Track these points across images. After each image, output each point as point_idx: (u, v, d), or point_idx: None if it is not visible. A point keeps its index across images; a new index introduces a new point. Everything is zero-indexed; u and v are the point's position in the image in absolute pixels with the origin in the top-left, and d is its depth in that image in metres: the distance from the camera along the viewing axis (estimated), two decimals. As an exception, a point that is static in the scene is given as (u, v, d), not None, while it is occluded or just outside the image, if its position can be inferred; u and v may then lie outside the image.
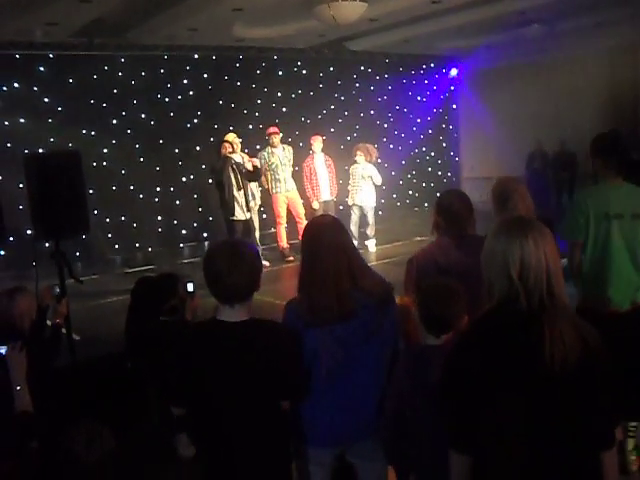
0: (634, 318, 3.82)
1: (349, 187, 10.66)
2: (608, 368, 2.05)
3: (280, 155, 10.31)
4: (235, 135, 9.98)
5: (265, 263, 9.70)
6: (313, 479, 2.99)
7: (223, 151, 9.45)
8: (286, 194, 10.48)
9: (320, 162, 10.66)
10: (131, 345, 4.67)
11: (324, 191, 10.60)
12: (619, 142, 4.08)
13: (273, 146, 10.32)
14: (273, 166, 10.33)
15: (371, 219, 10.72)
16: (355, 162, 10.57)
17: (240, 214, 9.47)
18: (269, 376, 2.61)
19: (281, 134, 10.52)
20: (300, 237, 2.96)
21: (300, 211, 10.65)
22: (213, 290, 2.65)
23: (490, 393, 2.03)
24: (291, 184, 10.51)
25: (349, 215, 10.63)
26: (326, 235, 2.83)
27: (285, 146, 10.61)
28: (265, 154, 10.40)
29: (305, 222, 10.64)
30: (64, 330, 4.83)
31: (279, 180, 10.37)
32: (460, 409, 2.10)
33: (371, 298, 2.79)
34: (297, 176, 10.74)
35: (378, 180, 10.48)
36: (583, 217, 3.93)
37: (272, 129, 10.49)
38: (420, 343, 2.97)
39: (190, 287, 4.23)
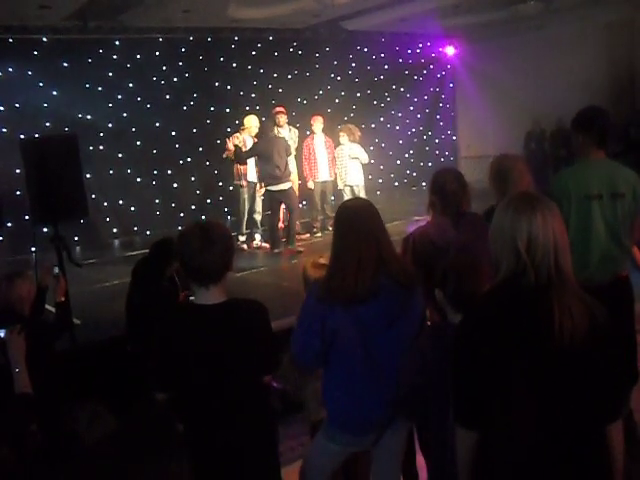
0: (615, 288, 3.84)
1: (336, 170, 10.50)
2: (616, 341, 2.07)
3: (286, 136, 10.07)
4: (255, 118, 9.97)
5: (266, 245, 9.85)
6: (330, 458, 3.08)
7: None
8: None
9: (320, 142, 10.58)
10: (131, 320, 4.70)
11: (323, 171, 10.53)
12: (599, 116, 4.04)
13: (279, 125, 10.08)
14: None
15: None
16: (340, 144, 10.42)
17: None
18: (252, 354, 2.65)
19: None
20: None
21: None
22: (187, 272, 2.68)
23: (498, 367, 2.05)
24: (292, 167, 10.30)
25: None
26: (357, 219, 2.84)
27: (291, 127, 10.47)
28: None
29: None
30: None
31: None
32: (468, 384, 2.11)
33: (396, 283, 2.81)
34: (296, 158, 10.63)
35: (365, 159, 10.35)
36: (564, 199, 3.90)
37: (278, 108, 10.31)
38: (440, 321, 2.96)
39: None
